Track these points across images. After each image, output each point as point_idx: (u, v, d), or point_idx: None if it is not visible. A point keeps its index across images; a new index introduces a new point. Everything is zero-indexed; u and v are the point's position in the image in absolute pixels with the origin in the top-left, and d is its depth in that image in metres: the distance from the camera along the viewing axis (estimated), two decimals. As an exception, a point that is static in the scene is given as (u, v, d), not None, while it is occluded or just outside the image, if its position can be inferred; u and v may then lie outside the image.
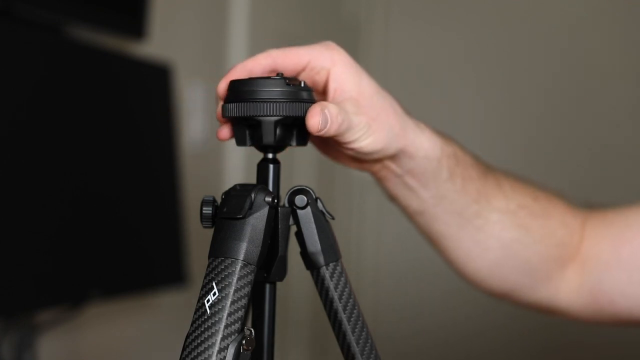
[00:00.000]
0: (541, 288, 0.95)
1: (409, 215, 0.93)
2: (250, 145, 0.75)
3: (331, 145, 0.84)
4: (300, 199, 0.75)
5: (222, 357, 0.66)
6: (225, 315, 0.67)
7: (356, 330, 0.75)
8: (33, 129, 1.36)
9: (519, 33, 2.77)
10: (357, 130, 0.78)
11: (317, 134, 0.73)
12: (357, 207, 2.81)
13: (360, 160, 0.85)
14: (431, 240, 0.94)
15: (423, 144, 0.84)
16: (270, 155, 0.76)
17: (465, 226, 0.90)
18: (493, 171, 0.94)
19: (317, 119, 0.73)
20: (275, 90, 0.72)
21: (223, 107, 0.74)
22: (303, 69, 0.80)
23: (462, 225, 0.90)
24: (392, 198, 0.92)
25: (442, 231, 0.91)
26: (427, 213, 0.90)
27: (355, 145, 0.79)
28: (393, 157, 0.84)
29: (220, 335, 0.67)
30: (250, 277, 0.69)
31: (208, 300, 0.68)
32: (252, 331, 0.70)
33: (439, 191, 0.87)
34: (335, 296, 0.75)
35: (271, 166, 0.75)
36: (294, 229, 0.76)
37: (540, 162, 2.74)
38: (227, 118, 0.75)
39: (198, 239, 1.78)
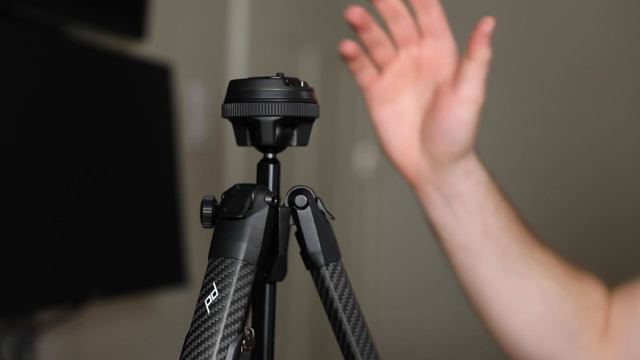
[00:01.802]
0: (582, 357, 0.91)
1: (450, 251, 0.90)
2: (250, 145, 0.75)
3: (431, 138, 0.86)
4: (300, 199, 0.75)
5: (222, 357, 0.66)
6: (225, 315, 0.67)
7: (356, 330, 0.75)
8: (33, 129, 1.36)
9: (518, 33, 2.77)
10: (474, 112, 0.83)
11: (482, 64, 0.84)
12: (357, 207, 2.81)
13: (442, 158, 0.86)
14: (469, 289, 0.90)
15: (478, 164, 0.85)
16: (270, 155, 0.76)
17: (509, 270, 0.87)
18: (528, 224, 0.93)
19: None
20: (274, 90, 0.72)
21: (222, 107, 0.74)
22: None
23: (506, 269, 0.87)
24: (435, 226, 0.91)
25: (485, 275, 0.88)
26: (471, 249, 0.87)
27: (462, 119, 0.84)
28: (458, 167, 0.85)
29: (220, 335, 0.67)
30: (251, 277, 0.69)
31: (208, 300, 0.68)
32: (252, 331, 0.70)
33: (485, 225, 0.86)
34: (335, 296, 0.75)
35: (271, 166, 0.75)
36: (294, 229, 0.76)
37: (540, 161, 2.74)
38: (227, 118, 0.75)
39: (198, 239, 1.78)
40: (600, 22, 2.73)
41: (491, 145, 2.77)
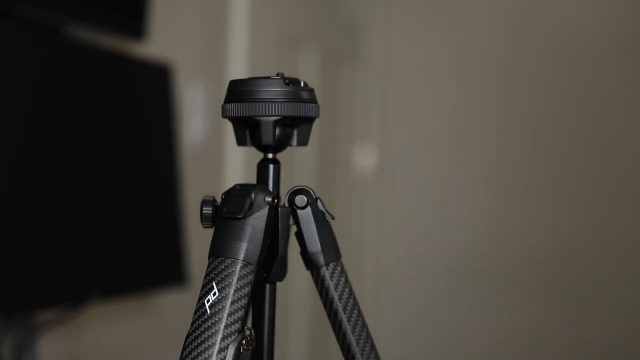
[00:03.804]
0: None
1: None
2: (250, 145, 0.75)
3: None
4: (301, 199, 0.75)
5: (222, 357, 0.66)
6: (225, 315, 0.67)
7: (356, 330, 0.75)
8: (33, 129, 1.36)
9: (518, 33, 2.77)
10: None
11: None
12: (357, 207, 2.81)
13: None
14: None
15: None
16: (270, 155, 0.76)
17: None
18: None
19: None
20: (274, 90, 0.72)
21: (222, 107, 0.74)
22: None
23: None
24: None
25: None
26: None
27: None
28: None
29: (220, 335, 0.67)
30: (251, 277, 0.69)
31: (208, 300, 0.68)
32: (252, 331, 0.70)
33: None
34: (335, 296, 0.75)
35: (271, 166, 0.75)
36: (294, 229, 0.76)
37: (540, 161, 2.74)
38: (227, 118, 0.75)
39: (198, 239, 1.77)
40: (601, 22, 2.74)
41: (488, 144, 2.77)
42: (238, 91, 0.73)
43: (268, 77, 0.73)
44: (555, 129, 2.74)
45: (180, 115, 1.84)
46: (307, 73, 2.42)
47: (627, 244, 2.69)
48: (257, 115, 0.72)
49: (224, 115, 0.74)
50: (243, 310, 0.68)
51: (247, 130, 0.75)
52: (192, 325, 0.68)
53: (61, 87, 1.42)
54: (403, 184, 2.77)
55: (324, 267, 0.75)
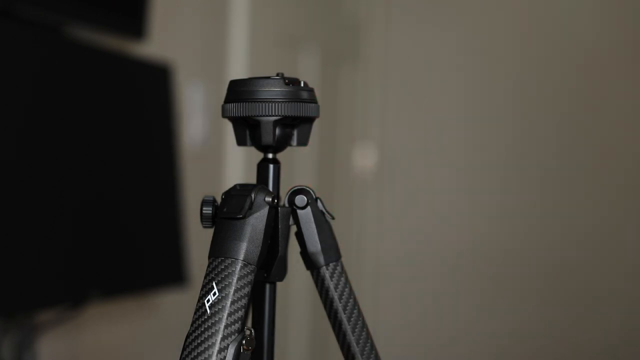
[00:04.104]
0: None
1: None
2: (250, 146, 0.75)
3: None
4: (300, 199, 0.75)
5: (222, 357, 0.67)
6: (225, 315, 0.67)
7: (356, 330, 0.75)
8: (32, 129, 1.36)
9: (519, 33, 2.77)
10: None
11: None
12: (357, 207, 2.81)
13: None
14: None
15: None
16: (270, 155, 0.76)
17: None
18: None
19: None
20: (274, 90, 0.72)
21: (222, 107, 0.74)
22: None
23: None
24: None
25: None
26: None
27: None
28: None
29: (220, 335, 0.67)
30: (251, 277, 0.69)
31: (208, 300, 0.68)
32: (252, 331, 0.70)
33: None
34: (335, 296, 0.75)
35: (271, 166, 0.75)
36: (294, 229, 0.76)
37: (541, 162, 2.74)
38: (227, 118, 0.75)
39: (198, 239, 1.77)
40: (602, 23, 2.73)
41: (489, 144, 2.77)
42: (238, 91, 0.73)
43: (268, 77, 0.73)
44: (556, 129, 2.74)
45: (180, 115, 1.84)
46: (307, 73, 2.42)
47: (628, 246, 2.69)
48: (257, 115, 0.72)
49: (224, 115, 0.74)
50: (243, 310, 0.68)
51: (247, 130, 0.75)
52: (192, 325, 0.68)
53: (61, 87, 1.42)
54: (403, 184, 2.77)
55: (324, 267, 0.75)
